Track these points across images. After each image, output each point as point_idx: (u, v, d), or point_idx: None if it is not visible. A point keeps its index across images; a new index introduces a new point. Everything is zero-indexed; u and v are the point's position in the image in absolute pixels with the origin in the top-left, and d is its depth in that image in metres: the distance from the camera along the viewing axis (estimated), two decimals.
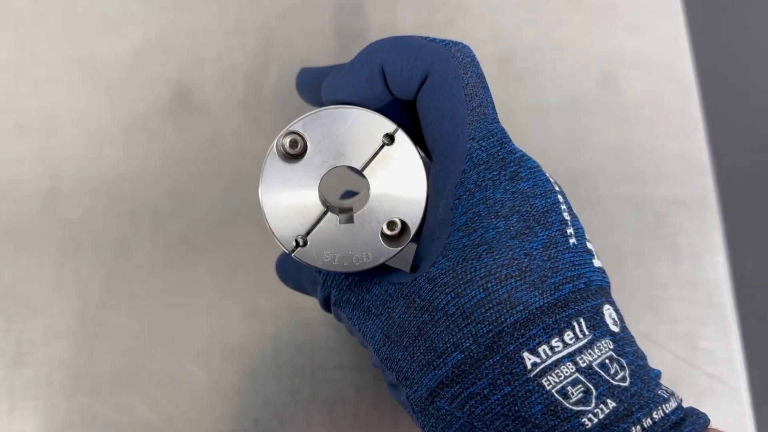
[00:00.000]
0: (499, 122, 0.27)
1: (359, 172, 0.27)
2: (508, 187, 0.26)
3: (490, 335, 0.24)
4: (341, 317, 0.29)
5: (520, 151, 0.27)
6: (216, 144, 0.45)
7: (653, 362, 0.27)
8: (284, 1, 0.48)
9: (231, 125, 0.45)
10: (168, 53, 0.47)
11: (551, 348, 0.24)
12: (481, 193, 0.26)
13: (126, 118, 0.45)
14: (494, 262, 0.25)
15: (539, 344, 0.24)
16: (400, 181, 0.27)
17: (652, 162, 0.46)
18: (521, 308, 0.24)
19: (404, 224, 0.27)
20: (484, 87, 0.27)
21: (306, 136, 0.27)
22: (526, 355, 0.24)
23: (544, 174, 0.28)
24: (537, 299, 0.25)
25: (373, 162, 0.27)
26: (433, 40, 0.28)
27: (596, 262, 0.27)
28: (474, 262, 0.25)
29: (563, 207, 0.27)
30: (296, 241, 0.27)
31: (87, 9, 0.48)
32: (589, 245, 0.27)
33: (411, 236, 0.27)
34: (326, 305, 0.30)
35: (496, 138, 0.27)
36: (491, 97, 0.27)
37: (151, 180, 0.44)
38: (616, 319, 0.26)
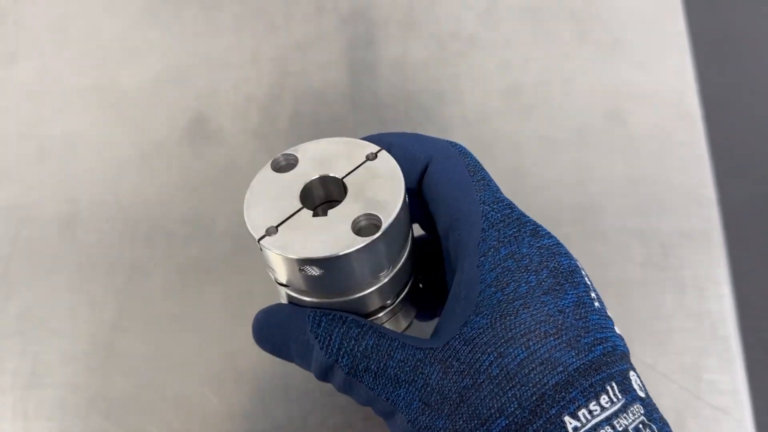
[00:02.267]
0: (503, 194, 0.29)
1: (341, 181, 0.28)
2: (532, 243, 0.27)
3: (534, 398, 0.24)
4: (353, 387, 0.27)
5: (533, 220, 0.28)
6: (231, 172, 0.46)
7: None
8: (299, 33, 0.50)
9: (246, 153, 0.46)
10: (186, 83, 0.48)
11: (590, 412, 0.24)
12: (506, 249, 0.26)
13: (144, 145, 0.46)
14: (532, 318, 0.25)
15: (579, 408, 0.24)
16: (378, 186, 0.27)
17: (657, 195, 0.46)
18: (561, 369, 0.24)
19: (376, 218, 0.26)
20: (483, 169, 0.29)
21: (298, 154, 0.29)
22: (567, 419, 0.24)
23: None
24: (574, 360, 0.24)
25: (355, 173, 0.28)
26: (438, 138, 0.30)
27: (617, 329, 0.27)
28: (512, 318, 0.25)
29: (583, 272, 0.27)
30: (267, 229, 0.27)
31: (108, 39, 0.50)
32: (609, 312, 0.28)
33: (383, 229, 0.26)
34: (324, 374, 0.28)
35: (504, 203, 0.28)
36: (491, 177, 0.29)
37: (166, 206, 0.45)
38: (641, 385, 0.26)
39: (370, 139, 0.30)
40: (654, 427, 0.25)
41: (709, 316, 0.43)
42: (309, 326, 0.28)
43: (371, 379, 0.26)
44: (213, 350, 0.41)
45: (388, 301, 0.29)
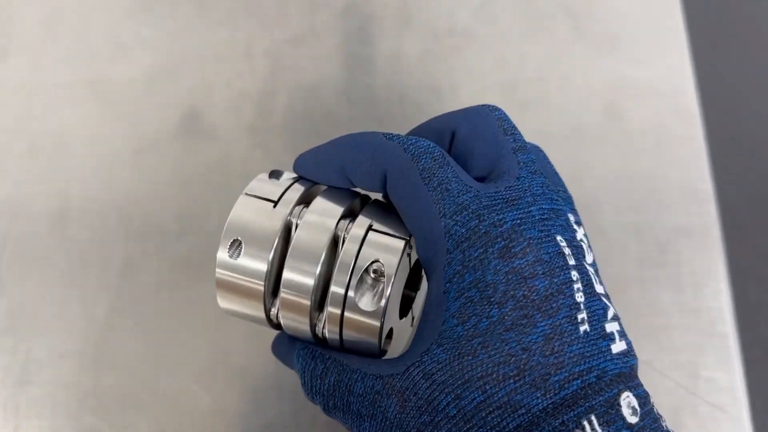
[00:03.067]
0: (470, 192, 0.25)
1: None
2: (499, 267, 0.24)
3: None
4: (333, 418, 0.28)
5: (512, 220, 0.25)
6: (224, 167, 0.45)
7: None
8: (293, 28, 0.49)
9: (239, 149, 0.46)
10: (178, 78, 0.48)
11: None
12: (471, 275, 0.24)
13: (136, 141, 0.46)
14: (490, 359, 0.23)
15: None
16: None
17: (655, 190, 0.46)
18: (523, 411, 0.23)
19: None
20: (443, 166, 0.26)
21: None
22: None
23: (554, 245, 0.25)
24: (540, 401, 0.23)
25: None
26: (391, 138, 0.27)
27: (616, 347, 0.25)
28: (470, 358, 0.23)
29: (576, 286, 0.25)
30: None
31: (99, 34, 0.49)
32: (610, 327, 0.25)
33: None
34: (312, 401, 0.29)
35: (469, 210, 0.25)
36: (455, 173, 0.26)
37: (159, 202, 0.45)
38: (636, 406, 0.24)
39: (322, 155, 0.30)
40: None
41: (706, 313, 0.43)
42: (295, 361, 0.29)
43: (341, 415, 0.27)
44: (205, 347, 0.41)
45: (316, 320, 0.28)
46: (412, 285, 0.32)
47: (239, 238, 0.28)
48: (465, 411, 0.23)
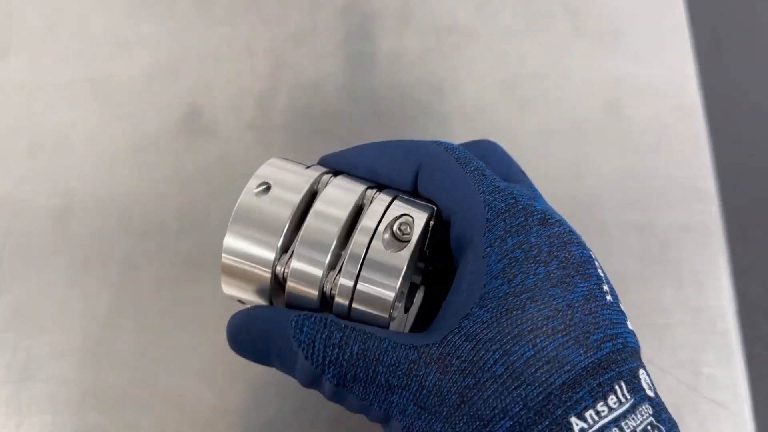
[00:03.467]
0: (503, 182, 0.27)
1: None
2: (541, 232, 0.25)
3: (540, 398, 0.23)
4: (343, 397, 0.26)
5: (542, 206, 0.27)
6: (225, 165, 0.45)
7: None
8: (294, 25, 0.49)
9: (240, 147, 0.46)
10: (179, 75, 0.48)
11: (597, 413, 0.23)
12: (514, 239, 0.25)
13: (137, 138, 0.46)
14: (539, 313, 0.24)
15: (586, 408, 0.23)
16: None
17: (656, 188, 0.46)
18: (569, 368, 0.23)
19: None
20: (476, 159, 0.28)
21: None
22: (573, 420, 0.23)
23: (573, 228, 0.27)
24: (582, 358, 0.23)
25: None
26: (421, 140, 0.29)
27: (629, 324, 0.26)
28: (519, 312, 0.24)
29: (597, 263, 0.26)
30: None
31: (100, 31, 0.49)
32: (623, 307, 0.27)
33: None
34: (311, 383, 0.26)
35: (505, 192, 0.26)
36: (486, 166, 0.28)
37: (160, 200, 0.45)
38: (650, 384, 0.25)
39: (350, 153, 0.30)
40: (662, 428, 0.24)
41: (708, 310, 0.43)
42: (292, 332, 0.26)
43: (361, 389, 0.25)
44: (206, 345, 0.41)
45: (327, 286, 0.27)
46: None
47: (268, 182, 0.28)
48: (514, 368, 0.23)
